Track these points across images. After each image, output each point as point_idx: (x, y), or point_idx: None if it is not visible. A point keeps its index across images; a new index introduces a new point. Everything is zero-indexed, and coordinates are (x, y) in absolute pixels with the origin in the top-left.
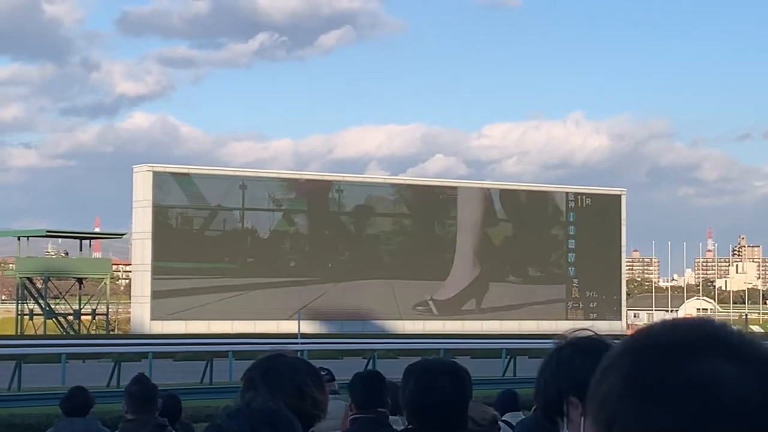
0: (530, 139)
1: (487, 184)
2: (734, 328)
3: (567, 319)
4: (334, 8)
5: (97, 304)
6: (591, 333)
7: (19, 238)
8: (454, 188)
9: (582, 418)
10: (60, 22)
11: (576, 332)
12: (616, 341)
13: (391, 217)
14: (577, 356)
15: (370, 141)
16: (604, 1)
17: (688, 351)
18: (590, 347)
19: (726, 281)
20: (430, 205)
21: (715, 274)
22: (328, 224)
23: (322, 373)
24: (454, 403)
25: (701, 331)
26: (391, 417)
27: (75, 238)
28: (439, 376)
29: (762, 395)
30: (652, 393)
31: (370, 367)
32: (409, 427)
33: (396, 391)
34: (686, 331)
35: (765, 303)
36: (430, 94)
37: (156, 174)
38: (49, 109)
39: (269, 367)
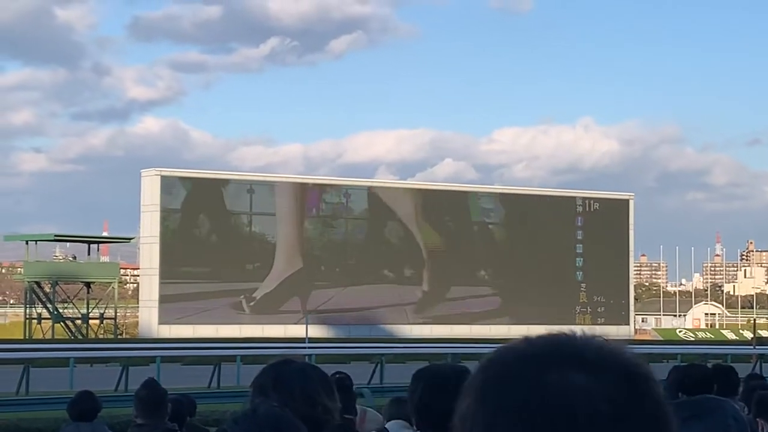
0: (540, 144)
1: (496, 188)
2: (595, 339)
3: (575, 324)
4: (346, 13)
5: (105, 308)
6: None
7: (27, 243)
8: (466, 193)
9: None
10: (72, 27)
11: None
12: (627, 345)
13: (400, 221)
14: None
15: (380, 145)
16: (615, 7)
17: (538, 363)
18: None
19: (734, 286)
20: (440, 209)
21: (723, 278)
22: (335, 228)
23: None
24: None
25: (553, 343)
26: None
27: (83, 242)
28: (449, 381)
29: (614, 405)
30: (502, 407)
31: (377, 372)
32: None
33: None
34: (537, 344)
35: None
36: (440, 99)
37: (164, 178)
38: (60, 114)
39: (279, 374)
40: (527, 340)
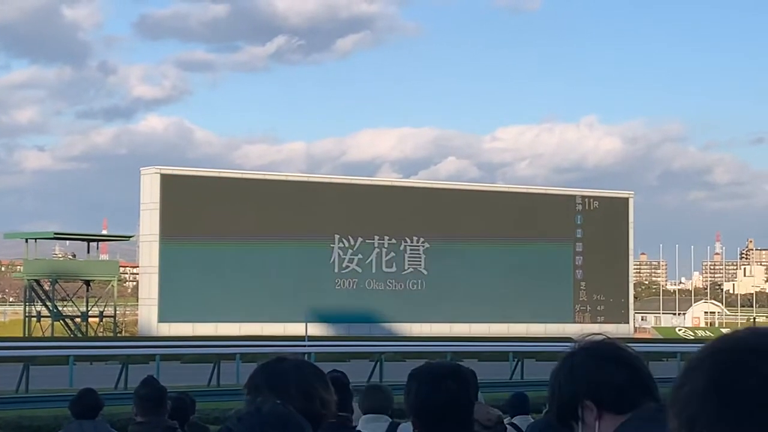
0: (543, 142)
1: (497, 186)
2: None
3: (574, 322)
4: (352, 12)
5: (105, 306)
6: (603, 336)
7: (27, 240)
8: (468, 191)
9: (596, 422)
10: (79, 26)
11: (588, 336)
12: (628, 344)
13: (401, 218)
14: (590, 360)
15: (383, 144)
16: (620, 7)
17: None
18: (603, 351)
19: (734, 284)
20: (441, 207)
21: (722, 277)
22: (338, 226)
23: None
24: (459, 406)
25: None
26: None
27: (82, 240)
28: (443, 379)
29: None
30: (733, 393)
31: (377, 370)
32: (415, 431)
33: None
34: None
35: None
36: (444, 97)
37: (163, 176)
38: (64, 113)
39: (273, 371)
40: (753, 331)
